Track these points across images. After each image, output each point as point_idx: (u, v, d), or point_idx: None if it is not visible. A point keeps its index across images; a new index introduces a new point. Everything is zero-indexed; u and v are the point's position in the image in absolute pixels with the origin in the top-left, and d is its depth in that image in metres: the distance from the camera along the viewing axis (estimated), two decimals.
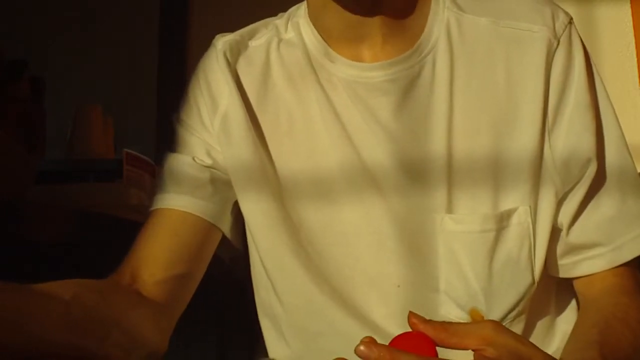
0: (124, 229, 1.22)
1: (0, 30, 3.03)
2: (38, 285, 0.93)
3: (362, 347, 0.78)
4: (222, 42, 1.22)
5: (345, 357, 0.80)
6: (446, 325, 0.83)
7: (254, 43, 1.23)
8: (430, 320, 0.83)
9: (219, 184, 1.19)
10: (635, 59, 2.75)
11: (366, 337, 0.82)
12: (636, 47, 2.76)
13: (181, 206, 1.16)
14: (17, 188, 1.61)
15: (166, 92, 2.87)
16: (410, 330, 0.84)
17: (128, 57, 3.21)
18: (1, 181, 1.53)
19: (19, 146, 1.69)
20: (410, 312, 0.84)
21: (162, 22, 3.04)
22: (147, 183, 2.12)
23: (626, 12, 2.80)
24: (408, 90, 1.13)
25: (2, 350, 0.80)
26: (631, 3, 2.80)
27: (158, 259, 1.13)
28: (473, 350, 0.82)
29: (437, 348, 0.82)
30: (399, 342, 0.82)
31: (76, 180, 2.29)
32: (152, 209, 1.19)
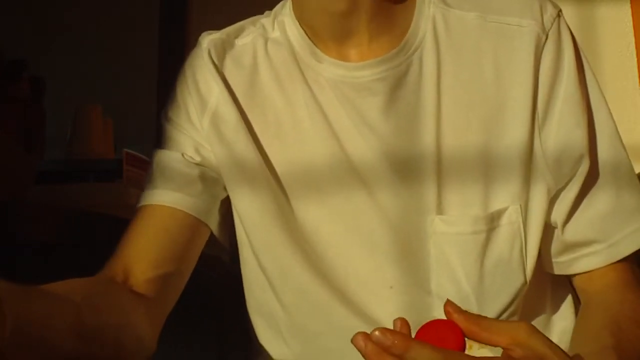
0: (124, 229, 1.21)
1: (1, 30, 3.03)
2: (46, 286, 0.92)
3: (377, 333, 0.78)
4: (207, 40, 1.22)
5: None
6: (480, 319, 0.83)
7: (240, 41, 1.23)
8: (464, 311, 0.83)
9: (208, 181, 1.18)
10: (635, 59, 2.75)
11: (399, 318, 0.83)
12: (636, 47, 2.75)
13: (171, 202, 1.16)
14: (17, 188, 1.61)
15: (166, 92, 2.86)
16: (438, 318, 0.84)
17: (128, 57, 3.21)
18: (1, 181, 1.53)
19: (19, 146, 1.68)
20: (447, 300, 0.84)
21: (161, 22, 3.04)
22: None
23: (626, 12, 2.79)
24: (396, 89, 1.12)
25: (14, 357, 0.79)
26: (631, 3, 2.80)
27: (148, 256, 1.13)
28: (502, 348, 0.82)
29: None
30: (428, 329, 0.82)
31: (76, 180, 2.29)
32: (140, 204, 1.18)
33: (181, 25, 2.98)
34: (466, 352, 0.82)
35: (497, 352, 0.83)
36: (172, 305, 1.17)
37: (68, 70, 3.14)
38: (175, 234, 1.15)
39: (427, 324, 0.83)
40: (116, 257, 1.13)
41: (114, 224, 1.56)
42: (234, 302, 1.39)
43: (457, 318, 0.83)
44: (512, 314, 1.12)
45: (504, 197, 1.11)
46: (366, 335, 0.78)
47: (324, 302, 1.15)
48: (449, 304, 0.84)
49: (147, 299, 1.10)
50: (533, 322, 1.17)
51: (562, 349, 0.84)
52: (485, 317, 0.84)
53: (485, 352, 0.85)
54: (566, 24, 1.15)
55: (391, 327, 0.88)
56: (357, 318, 1.14)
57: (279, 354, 1.22)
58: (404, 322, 0.83)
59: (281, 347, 1.22)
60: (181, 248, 1.16)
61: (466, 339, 0.83)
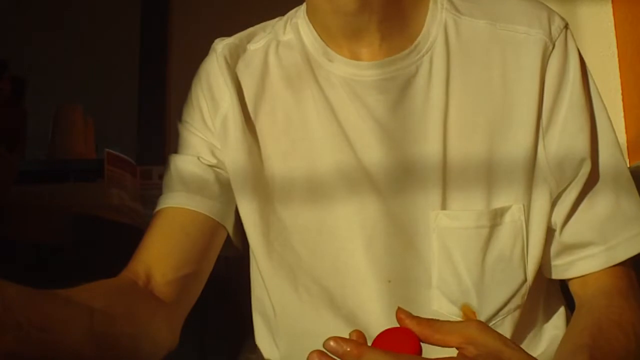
0: (106, 228, 1.21)
1: None
2: (64, 291, 0.92)
3: (331, 342, 0.80)
4: (221, 45, 1.23)
5: (332, 356, 0.81)
6: (432, 322, 0.84)
7: (252, 46, 1.24)
8: (416, 317, 0.84)
9: (224, 183, 1.19)
10: (617, 59, 2.76)
11: (354, 331, 0.84)
12: (617, 48, 2.77)
13: (191, 205, 1.17)
14: None
15: (147, 92, 2.87)
16: (398, 326, 0.85)
17: (109, 57, 3.21)
18: None
19: (0, 146, 1.68)
20: (398, 307, 0.86)
21: (142, 22, 3.03)
22: (128, 183, 2.12)
23: (607, 12, 2.80)
24: (405, 88, 1.14)
25: None
26: (612, 3, 2.81)
27: (169, 259, 1.13)
28: (456, 348, 0.83)
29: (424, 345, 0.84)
30: (384, 337, 0.84)
31: (57, 180, 2.28)
32: (159, 207, 1.19)
33: (162, 24, 2.97)
34: None
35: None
36: (190, 307, 1.18)
37: (49, 70, 3.13)
38: (194, 236, 1.16)
39: (383, 332, 0.85)
40: (137, 259, 1.13)
41: (96, 224, 1.56)
42: (218, 302, 1.39)
43: (409, 323, 0.85)
44: (510, 311, 1.13)
45: (508, 196, 1.12)
46: (321, 353, 0.80)
47: (312, 304, 1.16)
48: (400, 311, 0.86)
49: (167, 302, 1.11)
50: (527, 326, 1.19)
51: (515, 343, 0.85)
52: (437, 320, 0.85)
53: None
54: (572, 35, 1.17)
55: (382, 327, 0.89)
56: (345, 320, 1.14)
57: (269, 352, 1.24)
58: (359, 333, 0.85)
59: (271, 346, 1.24)
60: (200, 250, 1.17)
61: None
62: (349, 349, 0.79)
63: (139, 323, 1.03)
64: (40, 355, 0.79)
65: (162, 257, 1.13)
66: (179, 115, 1.26)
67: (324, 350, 0.81)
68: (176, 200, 1.17)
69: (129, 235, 1.20)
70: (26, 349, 0.76)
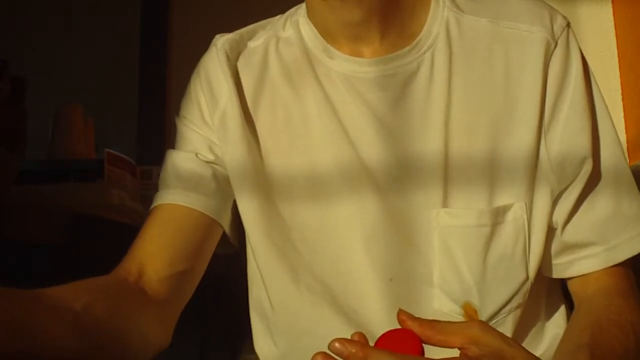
0: (106, 228, 1.21)
1: None
2: (48, 290, 0.92)
3: (336, 344, 0.80)
4: (222, 41, 1.23)
5: (336, 358, 0.81)
6: (433, 323, 0.84)
7: (252, 43, 1.24)
8: (417, 318, 0.84)
9: (221, 180, 1.19)
10: (617, 59, 2.76)
11: (355, 333, 0.83)
12: (617, 48, 2.77)
13: (186, 202, 1.16)
14: None
15: (147, 92, 2.86)
16: (399, 326, 0.85)
17: (109, 57, 3.21)
18: None
19: (0, 146, 1.68)
20: (399, 309, 0.85)
21: (143, 21, 3.03)
22: (128, 183, 2.11)
23: (607, 11, 2.80)
24: (406, 85, 1.13)
25: (12, 357, 0.79)
26: (612, 3, 2.81)
27: (162, 255, 1.13)
28: (458, 348, 0.83)
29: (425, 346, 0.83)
30: (386, 339, 0.83)
31: (57, 180, 2.28)
32: (155, 204, 1.19)
33: (162, 24, 2.97)
34: None
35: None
36: (184, 303, 1.18)
37: (49, 70, 3.13)
38: (189, 233, 1.16)
39: (385, 334, 0.84)
40: (130, 256, 1.13)
41: (96, 224, 1.56)
42: (216, 300, 1.39)
43: (410, 325, 0.84)
44: (512, 310, 1.13)
45: (509, 195, 1.12)
46: (325, 355, 0.80)
47: (312, 302, 1.16)
48: (401, 312, 0.86)
49: (158, 298, 1.11)
50: (528, 325, 1.19)
51: (517, 342, 0.85)
52: (439, 321, 0.85)
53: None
54: (574, 34, 1.17)
55: (381, 327, 0.89)
56: (345, 319, 1.14)
57: (267, 351, 1.24)
58: (361, 335, 0.84)
59: (269, 345, 1.24)
60: (195, 247, 1.17)
61: None
62: (354, 350, 0.79)
63: (126, 318, 1.03)
64: (26, 353, 0.79)
65: (155, 253, 1.13)
66: (178, 114, 1.26)
67: (328, 351, 0.81)
68: (171, 197, 1.17)
69: (129, 235, 1.19)
70: (9, 348, 0.77)
